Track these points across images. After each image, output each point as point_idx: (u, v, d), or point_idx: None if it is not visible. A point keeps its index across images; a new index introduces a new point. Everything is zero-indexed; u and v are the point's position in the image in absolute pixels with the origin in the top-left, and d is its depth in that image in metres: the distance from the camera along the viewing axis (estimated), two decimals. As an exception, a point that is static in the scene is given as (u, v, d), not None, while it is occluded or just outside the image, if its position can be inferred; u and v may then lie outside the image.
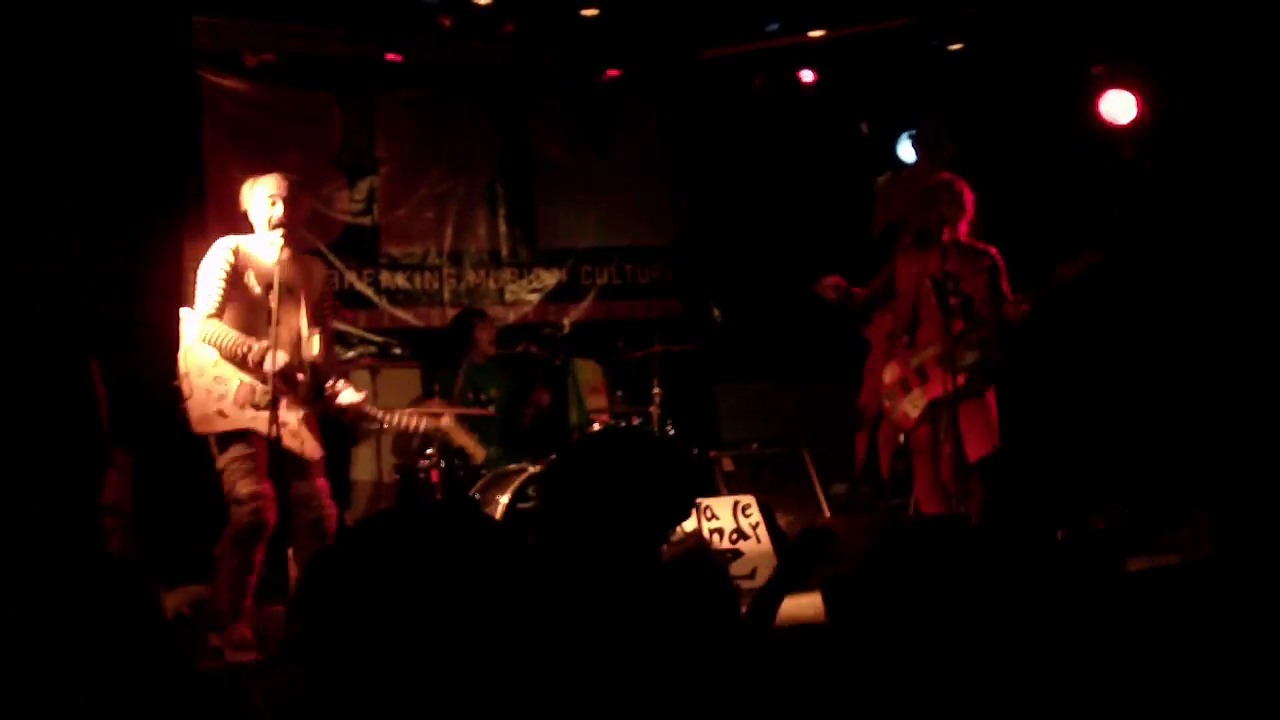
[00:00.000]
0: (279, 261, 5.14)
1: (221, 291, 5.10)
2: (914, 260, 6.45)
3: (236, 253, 5.17)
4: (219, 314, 5.11)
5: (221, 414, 5.08)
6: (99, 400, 5.91)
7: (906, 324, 6.45)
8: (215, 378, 5.08)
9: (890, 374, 6.56)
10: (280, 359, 5.02)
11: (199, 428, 5.08)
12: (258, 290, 5.17)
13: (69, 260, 5.45)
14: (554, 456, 2.58)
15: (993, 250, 6.41)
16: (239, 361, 5.09)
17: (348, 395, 5.38)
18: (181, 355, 5.11)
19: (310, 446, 5.22)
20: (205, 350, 5.09)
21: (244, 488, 5.04)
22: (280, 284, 5.11)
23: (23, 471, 3.81)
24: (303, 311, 5.26)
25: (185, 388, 5.10)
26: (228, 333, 5.09)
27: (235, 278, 5.14)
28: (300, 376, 5.16)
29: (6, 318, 4.25)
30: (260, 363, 5.05)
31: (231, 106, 7.58)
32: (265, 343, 5.04)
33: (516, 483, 6.48)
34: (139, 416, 5.99)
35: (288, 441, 5.09)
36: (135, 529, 6.69)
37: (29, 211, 5.11)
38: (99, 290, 5.98)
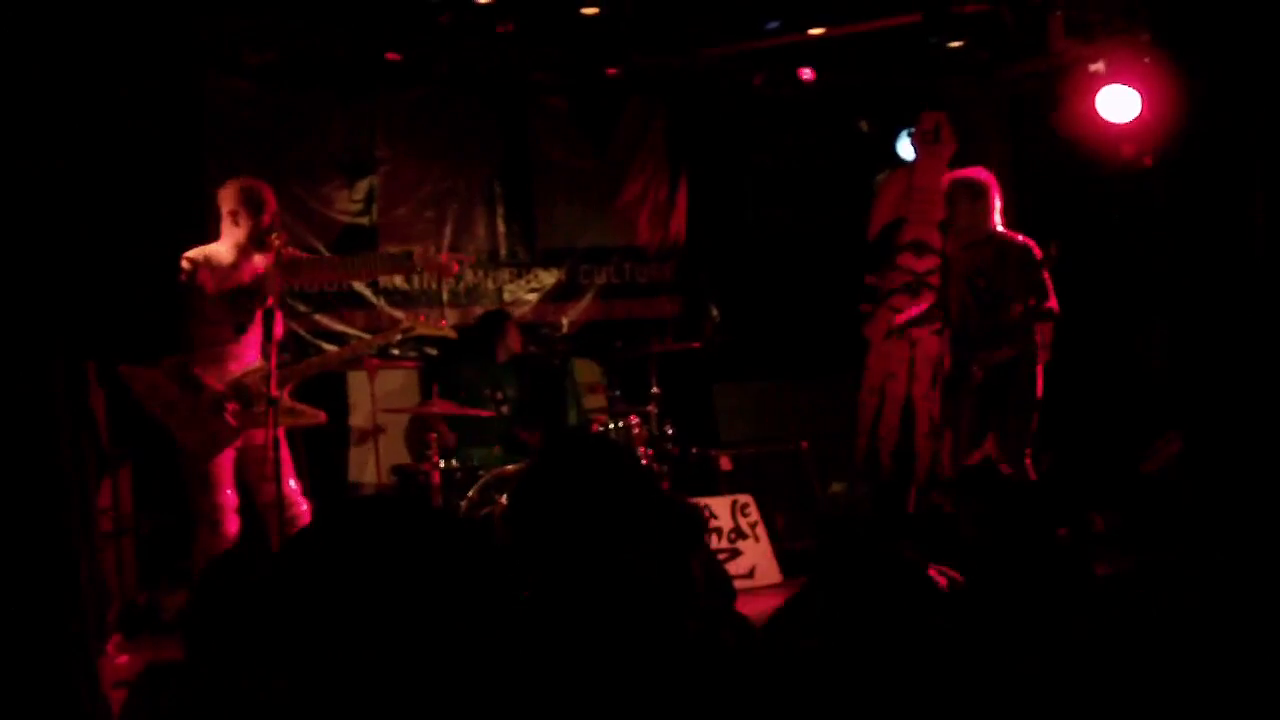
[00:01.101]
0: (271, 267, 5.23)
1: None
2: (954, 260, 6.43)
3: (195, 268, 5.26)
4: None
5: (216, 435, 5.19)
6: (97, 403, 5.92)
7: (955, 320, 6.39)
8: (189, 406, 5.20)
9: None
10: (213, 392, 5.16)
11: (207, 453, 5.18)
12: (220, 298, 5.26)
13: (67, 261, 5.45)
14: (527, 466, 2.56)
15: (1030, 243, 6.37)
16: (186, 383, 5.23)
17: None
18: (148, 402, 5.23)
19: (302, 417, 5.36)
20: (160, 388, 5.21)
21: (204, 500, 5.15)
22: (251, 289, 5.21)
23: (17, 474, 3.81)
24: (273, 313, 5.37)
25: (174, 429, 5.22)
26: (174, 356, 5.28)
27: (194, 293, 5.25)
28: (230, 405, 5.25)
29: (3, 319, 4.24)
30: (201, 389, 5.19)
31: (233, 106, 7.56)
32: (198, 372, 5.25)
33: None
34: (137, 419, 6.00)
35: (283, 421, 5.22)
36: (134, 531, 6.71)
37: (28, 212, 5.10)
38: (97, 291, 5.98)
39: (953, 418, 6.38)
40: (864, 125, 9.04)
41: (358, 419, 7.43)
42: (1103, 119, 7.38)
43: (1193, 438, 6.63)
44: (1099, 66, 7.44)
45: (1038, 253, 6.31)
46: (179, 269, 5.36)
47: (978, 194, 6.37)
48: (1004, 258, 6.32)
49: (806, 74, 8.33)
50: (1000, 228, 6.41)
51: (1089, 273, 7.53)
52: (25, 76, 4.43)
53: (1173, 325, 7.34)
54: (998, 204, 6.41)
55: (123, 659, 5.52)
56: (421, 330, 5.89)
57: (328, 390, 6.15)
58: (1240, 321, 6.93)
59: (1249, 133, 6.76)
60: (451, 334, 6.16)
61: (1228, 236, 7.10)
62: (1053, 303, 6.27)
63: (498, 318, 7.78)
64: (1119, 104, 7.30)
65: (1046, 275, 6.24)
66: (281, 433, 5.41)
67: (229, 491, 5.21)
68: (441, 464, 6.84)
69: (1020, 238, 6.42)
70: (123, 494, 6.68)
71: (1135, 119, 7.32)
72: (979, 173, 6.53)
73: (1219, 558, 4.84)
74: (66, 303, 5.00)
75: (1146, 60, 7.07)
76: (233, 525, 5.17)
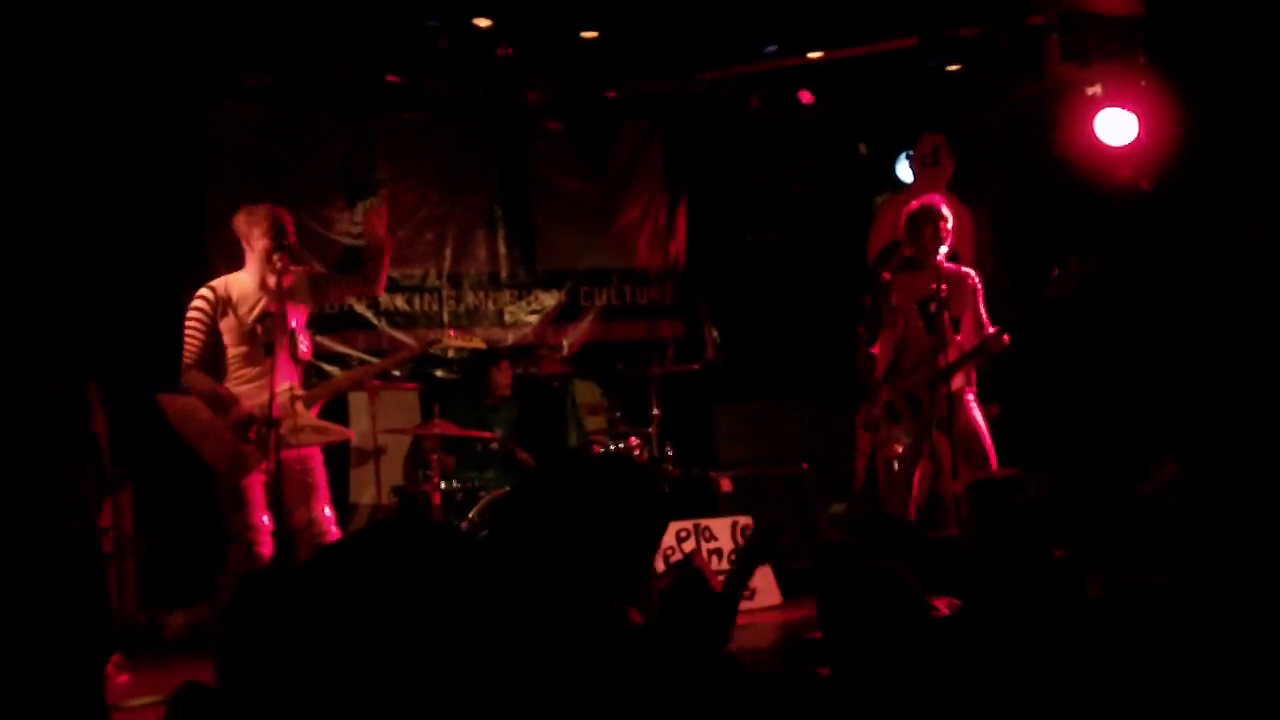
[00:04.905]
0: (276, 289, 5.24)
1: (200, 342, 5.30)
2: (905, 284, 6.47)
3: (216, 298, 5.30)
4: (200, 362, 5.27)
5: (246, 456, 5.22)
6: (99, 424, 5.94)
7: (898, 348, 6.46)
8: (219, 429, 5.23)
9: (879, 401, 6.55)
10: (239, 412, 5.17)
11: (235, 478, 5.22)
12: (247, 324, 5.28)
13: (69, 284, 5.50)
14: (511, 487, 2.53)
15: (975, 273, 6.46)
16: (218, 408, 5.24)
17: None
18: (181, 428, 5.27)
19: (328, 434, 5.39)
20: (193, 413, 5.24)
21: (239, 521, 5.15)
22: (276, 311, 5.22)
23: (20, 495, 3.83)
24: (298, 334, 5.38)
25: (206, 452, 5.26)
26: (203, 381, 5.28)
27: (216, 323, 5.27)
28: (258, 427, 5.27)
29: (5, 341, 4.27)
30: (228, 410, 5.21)
31: (232, 129, 7.60)
32: (229, 398, 5.26)
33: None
34: (140, 440, 6.03)
35: (301, 440, 5.22)
36: (135, 551, 6.72)
37: (29, 235, 5.14)
38: (99, 313, 6.01)
39: (915, 449, 6.38)
40: (863, 148, 9.09)
41: (358, 440, 7.43)
42: (1100, 142, 7.42)
43: (1190, 460, 6.66)
44: (1096, 90, 7.47)
45: (980, 288, 6.38)
46: (199, 296, 5.37)
47: (933, 221, 6.38)
48: (958, 288, 6.34)
49: (805, 97, 8.37)
50: (945, 260, 6.39)
51: (1086, 295, 7.55)
52: (27, 102, 4.48)
53: (1170, 347, 7.38)
54: (951, 236, 6.41)
55: (123, 678, 5.54)
56: (456, 343, 5.96)
57: (329, 411, 6.15)
58: (1236, 342, 6.96)
59: (1244, 155, 6.81)
60: (482, 345, 6.28)
61: (1224, 258, 7.14)
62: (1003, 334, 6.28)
63: (486, 360, 7.70)
64: (1116, 127, 7.34)
65: (984, 312, 6.32)
66: (320, 457, 5.46)
67: (263, 514, 5.22)
68: (442, 485, 6.86)
69: (964, 268, 6.47)
70: (124, 515, 6.69)
71: (1132, 142, 7.36)
72: (935, 199, 6.57)
73: (1217, 579, 4.86)
74: (67, 325, 5.05)
75: (1143, 84, 7.12)
76: (267, 548, 5.18)
